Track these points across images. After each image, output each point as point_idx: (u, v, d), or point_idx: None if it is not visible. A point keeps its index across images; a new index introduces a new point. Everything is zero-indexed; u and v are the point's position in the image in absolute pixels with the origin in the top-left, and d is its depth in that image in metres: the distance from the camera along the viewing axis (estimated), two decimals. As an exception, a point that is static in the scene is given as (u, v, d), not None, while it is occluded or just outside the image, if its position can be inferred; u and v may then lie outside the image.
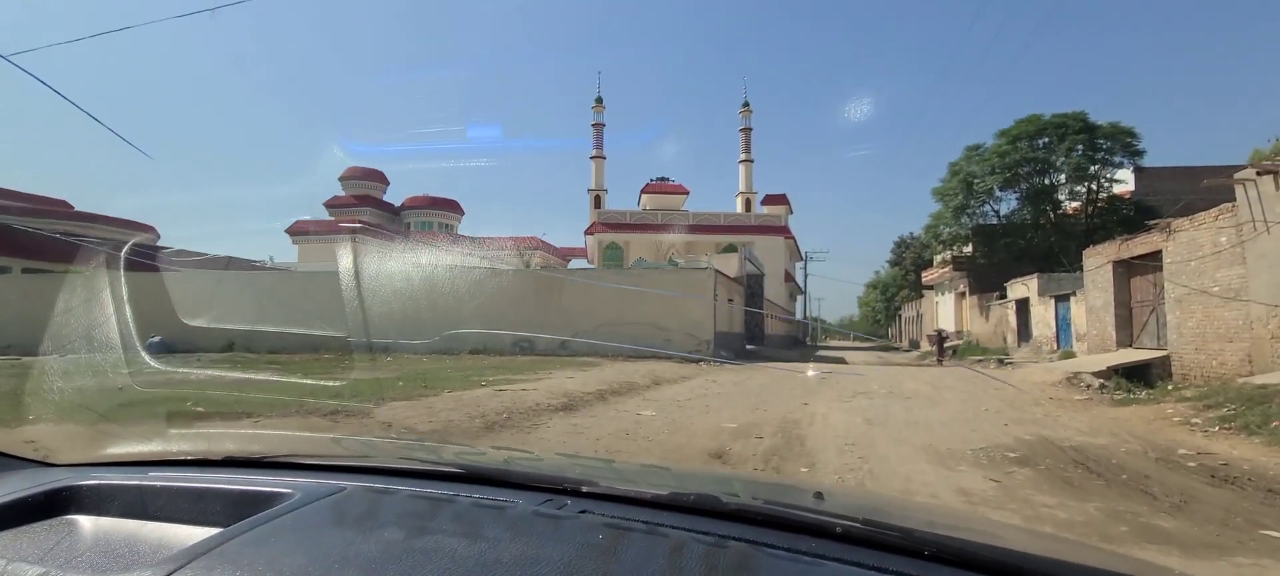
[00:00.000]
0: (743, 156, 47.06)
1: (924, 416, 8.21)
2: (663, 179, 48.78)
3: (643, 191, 47.74)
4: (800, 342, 46.39)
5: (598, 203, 44.93)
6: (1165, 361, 12.59)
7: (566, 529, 0.87)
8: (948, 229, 27.48)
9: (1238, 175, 10.19)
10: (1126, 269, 14.73)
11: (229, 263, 28.17)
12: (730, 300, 22.09)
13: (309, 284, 21.41)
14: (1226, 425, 6.85)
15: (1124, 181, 25.93)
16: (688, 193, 47.71)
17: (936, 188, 27.76)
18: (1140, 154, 24.30)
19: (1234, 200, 10.65)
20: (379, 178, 52.15)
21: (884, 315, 54.06)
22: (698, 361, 17.54)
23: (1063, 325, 20.16)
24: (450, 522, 0.90)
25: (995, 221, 27.15)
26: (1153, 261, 13.41)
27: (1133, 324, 14.65)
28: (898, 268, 46.51)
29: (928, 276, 35.48)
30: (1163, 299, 13.17)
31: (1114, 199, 24.88)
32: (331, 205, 50.79)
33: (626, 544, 0.83)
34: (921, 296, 39.59)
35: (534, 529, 0.87)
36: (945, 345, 25.39)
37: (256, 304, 21.69)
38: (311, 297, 20.23)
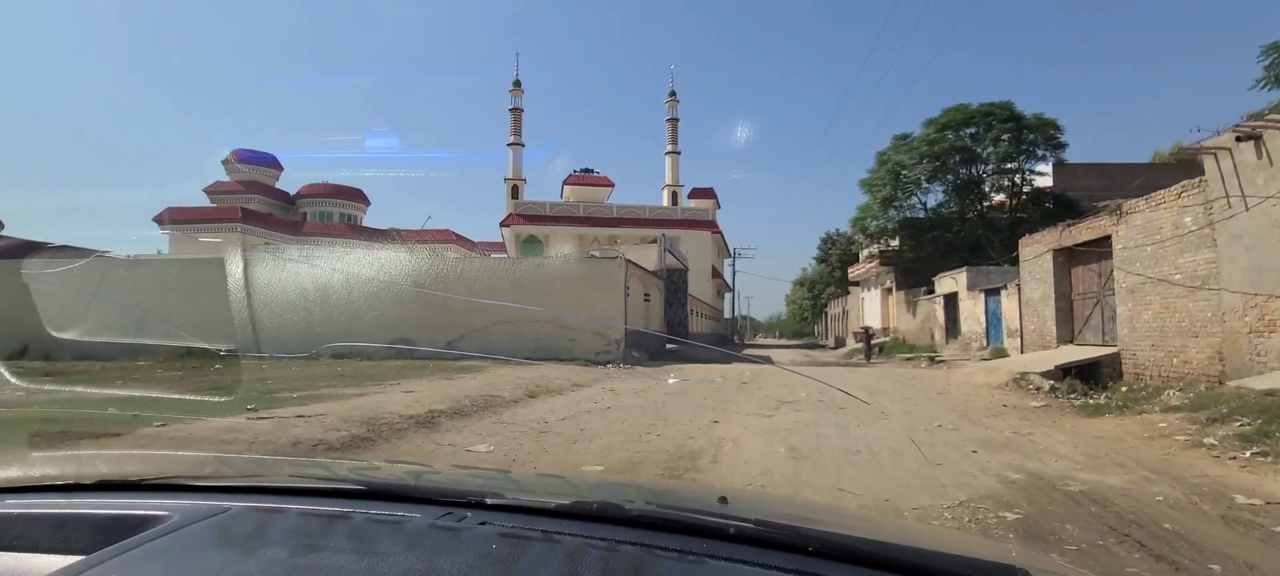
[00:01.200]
0: (669, 148, 45.17)
1: (866, 438, 6.17)
2: (587, 170, 46.28)
3: (565, 183, 45.04)
4: (728, 341, 44.99)
5: (515, 193, 41.89)
6: (1115, 359, 11.28)
7: (464, 541, 0.85)
8: (875, 222, 26.42)
9: (1208, 142, 8.79)
10: (1068, 258, 13.51)
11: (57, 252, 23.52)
12: (646, 296, 19.90)
13: (136, 276, 17.60)
14: (1258, 450, 5.10)
15: (1043, 173, 25.63)
16: (613, 185, 45.43)
17: (864, 179, 26.69)
18: (1063, 146, 23.95)
19: (1199, 176, 9.30)
20: (270, 162, 46.92)
21: (811, 312, 53.69)
22: (605, 364, 15.24)
23: (993, 320, 19.14)
24: (341, 540, 0.86)
25: (922, 215, 26.29)
26: (1099, 249, 12.15)
27: (1073, 318, 13.43)
28: (824, 264, 45.99)
29: (854, 272, 34.67)
30: (1110, 290, 11.91)
31: (1039, 191, 24.42)
32: (213, 191, 45.18)
33: (523, 552, 0.82)
34: (848, 293, 38.94)
35: (429, 542, 0.85)
36: (872, 342, 24.26)
37: (78, 299, 17.64)
38: (142, 293, 16.55)
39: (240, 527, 0.89)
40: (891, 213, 26.30)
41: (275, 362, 14.20)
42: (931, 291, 23.71)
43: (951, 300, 22.01)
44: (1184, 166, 19.87)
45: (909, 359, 20.13)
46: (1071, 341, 13.39)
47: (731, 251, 48.80)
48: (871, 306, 32.38)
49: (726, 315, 50.15)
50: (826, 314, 48.44)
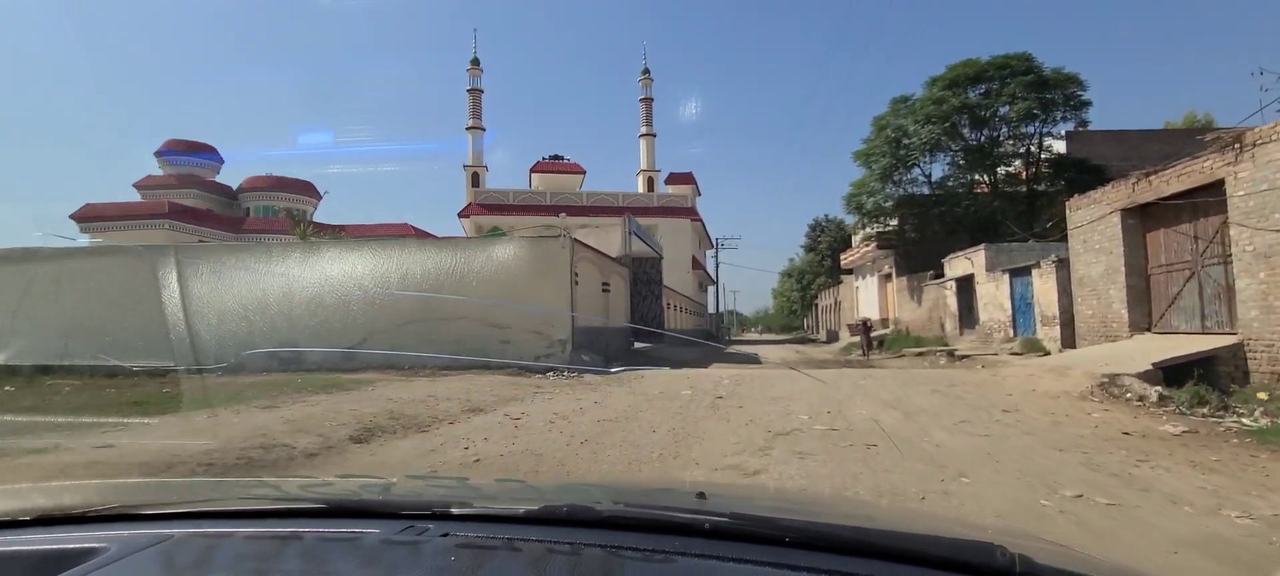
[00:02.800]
0: (644, 130, 41.74)
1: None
2: (556, 157, 42.84)
3: (532, 170, 41.54)
4: (712, 337, 41.71)
5: (476, 181, 38.26)
6: (1236, 352, 8.09)
7: (423, 554, 0.80)
8: (872, 198, 23.18)
9: None
10: (1141, 220, 10.32)
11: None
12: (605, 286, 16.50)
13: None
14: None
15: (1059, 137, 22.61)
16: (584, 172, 42.03)
17: (859, 150, 23.46)
18: (1085, 105, 20.80)
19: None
20: (209, 154, 42.80)
21: (800, 305, 50.56)
22: (546, 371, 11.84)
23: (1021, 306, 16.01)
24: (293, 561, 0.82)
25: (925, 190, 23.10)
26: (1196, 202, 8.96)
27: (1151, 298, 10.24)
28: (813, 253, 42.84)
29: (847, 259, 31.51)
30: (1217, 256, 8.74)
31: (1060, 158, 21.35)
32: (144, 186, 41.03)
33: (485, 562, 0.78)
34: (840, 282, 35.84)
35: (386, 558, 0.80)
36: (872, 335, 21.12)
37: None
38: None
39: (184, 555, 0.84)
40: (889, 188, 23.09)
41: (97, 382, 10.69)
42: (940, 275, 20.57)
43: (966, 284, 18.87)
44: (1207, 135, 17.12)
45: (922, 354, 16.93)
46: (1148, 329, 10.20)
47: (713, 241, 45.56)
48: (867, 295, 29.25)
49: (710, 309, 46.87)
50: (817, 306, 45.34)
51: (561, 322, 12.83)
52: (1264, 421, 5.98)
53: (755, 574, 0.73)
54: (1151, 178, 9.73)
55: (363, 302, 12.78)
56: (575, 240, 13.31)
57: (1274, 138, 7.51)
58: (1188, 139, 19.61)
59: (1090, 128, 22.24)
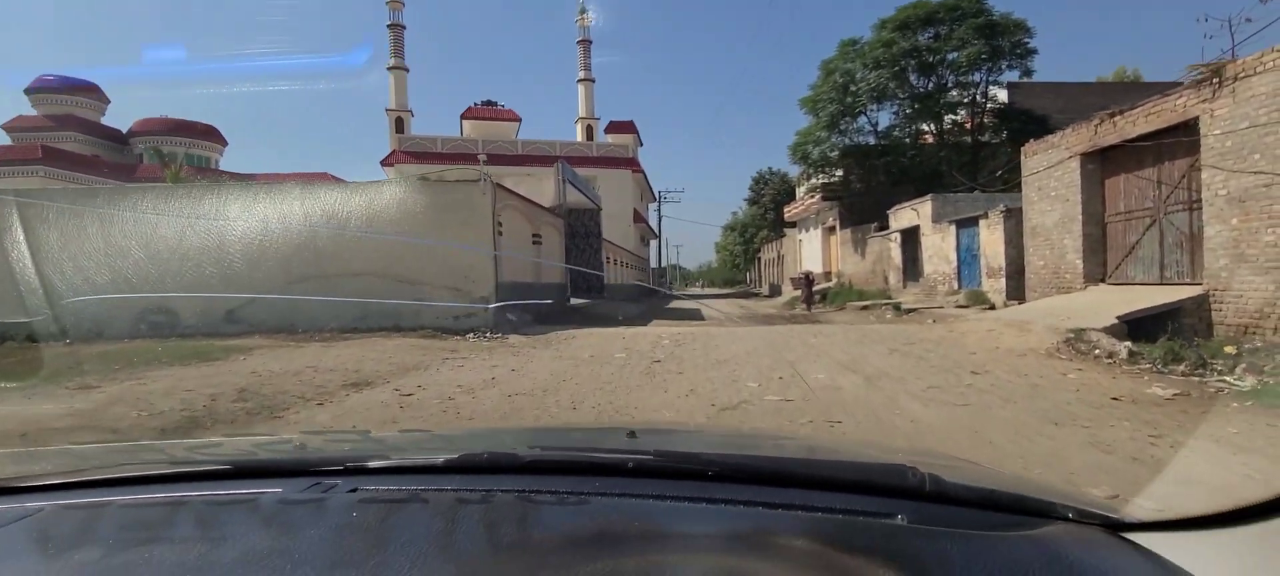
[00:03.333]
0: (582, 75, 39.62)
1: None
2: (489, 103, 40.23)
3: (463, 117, 38.86)
4: (654, 292, 40.93)
5: (400, 126, 35.46)
6: (1201, 303, 7.64)
7: (329, 511, 0.74)
8: (818, 148, 22.43)
9: None
10: (1100, 165, 9.78)
11: None
12: (536, 238, 15.14)
13: None
14: None
15: (1002, 86, 22.38)
16: (520, 120, 39.67)
17: (806, 96, 22.55)
18: (1032, 53, 20.47)
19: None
20: (90, 92, 38.00)
21: (744, 259, 50.30)
22: (465, 333, 10.55)
23: (967, 258, 15.67)
24: (185, 527, 0.74)
25: (872, 140, 22.51)
26: (1161, 143, 8.40)
27: (1107, 248, 9.80)
28: (756, 206, 42.35)
29: (791, 211, 31.02)
30: (1183, 202, 8.26)
31: (1005, 108, 21.06)
32: (14, 127, 36.10)
33: (392, 515, 0.72)
34: (783, 236, 35.47)
35: (286, 517, 0.74)
36: (814, 289, 20.65)
37: None
38: None
39: (57, 529, 0.75)
40: (836, 137, 22.39)
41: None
42: (885, 227, 20.15)
43: (911, 236, 18.47)
44: (1141, 89, 17.14)
45: (866, 307, 16.48)
46: (1103, 280, 9.79)
47: (656, 194, 44.35)
48: (811, 249, 28.89)
49: (653, 264, 46.02)
50: (760, 260, 45.11)
51: (483, 278, 11.48)
52: (1251, 380, 5.42)
53: (675, 509, 0.73)
54: (1116, 119, 9.12)
55: (250, 255, 11.03)
56: (499, 186, 11.86)
57: (1259, 69, 6.88)
58: (1124, 92, 19.68)
59: (1031, 82, 22.12)
